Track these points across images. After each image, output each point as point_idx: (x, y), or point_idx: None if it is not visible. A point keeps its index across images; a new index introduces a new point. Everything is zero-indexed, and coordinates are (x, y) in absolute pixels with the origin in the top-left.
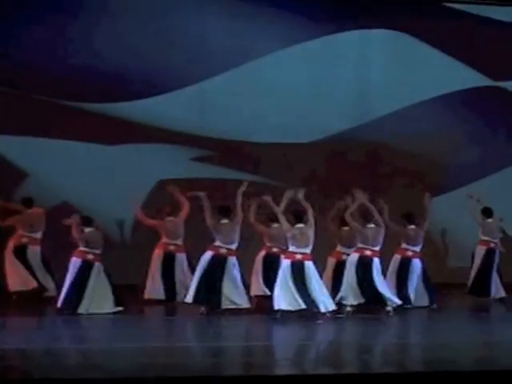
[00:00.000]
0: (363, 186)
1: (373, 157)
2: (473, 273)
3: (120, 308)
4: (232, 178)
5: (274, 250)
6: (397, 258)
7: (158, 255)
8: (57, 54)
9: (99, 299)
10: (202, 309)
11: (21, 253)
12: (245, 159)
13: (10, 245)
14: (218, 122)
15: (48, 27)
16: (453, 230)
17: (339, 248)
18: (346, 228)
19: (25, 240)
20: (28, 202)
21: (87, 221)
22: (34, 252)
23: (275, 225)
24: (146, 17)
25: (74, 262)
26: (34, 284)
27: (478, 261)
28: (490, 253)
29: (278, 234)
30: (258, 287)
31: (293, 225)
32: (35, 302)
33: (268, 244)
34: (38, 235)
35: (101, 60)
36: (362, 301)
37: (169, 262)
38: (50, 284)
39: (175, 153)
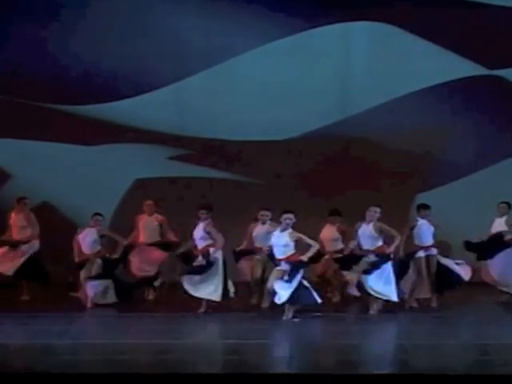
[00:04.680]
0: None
1: (358, 153)
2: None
3: None
4: (209, 176)
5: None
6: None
7: None
8: (35, 56)
9: None
10: None
11: None
12: (222, 158)
13: None
14: (196, 120)
15: (26, 30)
16: (444, 227)
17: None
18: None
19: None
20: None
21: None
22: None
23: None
24: (123, 18)
25: None
26: None
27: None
28: None
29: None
30: None
31: None
32: None
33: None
34: None
35: (78, 62)
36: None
37: None
38: None
39: (152, 152)
